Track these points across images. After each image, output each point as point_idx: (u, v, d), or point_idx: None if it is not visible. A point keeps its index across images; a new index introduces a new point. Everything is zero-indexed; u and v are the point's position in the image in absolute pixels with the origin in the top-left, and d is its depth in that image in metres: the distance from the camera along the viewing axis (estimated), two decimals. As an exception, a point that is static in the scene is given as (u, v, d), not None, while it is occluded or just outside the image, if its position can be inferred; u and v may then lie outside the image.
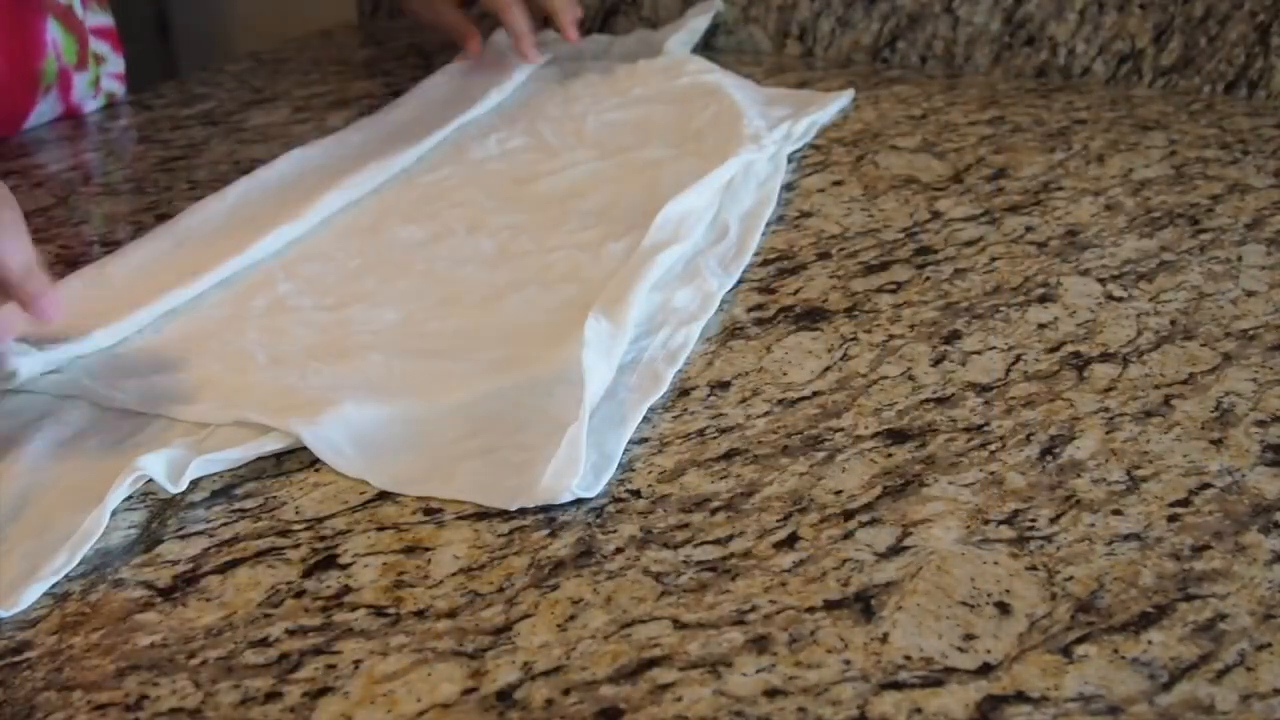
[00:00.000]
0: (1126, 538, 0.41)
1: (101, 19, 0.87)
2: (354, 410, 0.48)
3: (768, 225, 0.66)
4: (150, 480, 0.44)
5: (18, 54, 0.78)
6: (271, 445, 0.46)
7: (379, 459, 0.46)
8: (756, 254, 0.63)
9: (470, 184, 0.71)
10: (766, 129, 0.76)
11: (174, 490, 0.43)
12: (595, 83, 0.87)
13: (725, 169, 0.68)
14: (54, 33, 0.81)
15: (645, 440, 0.47)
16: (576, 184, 0.70)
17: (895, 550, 0.41)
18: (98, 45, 0.86)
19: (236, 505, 0.44)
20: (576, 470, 0.43)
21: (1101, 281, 0.59)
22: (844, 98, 0.86)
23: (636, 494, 0.44)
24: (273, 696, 0.35)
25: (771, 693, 0.35)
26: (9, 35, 0.78)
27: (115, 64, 0.88)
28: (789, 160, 0.75)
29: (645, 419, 0.48)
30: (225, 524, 0.43)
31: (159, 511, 0.44)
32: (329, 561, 0.41)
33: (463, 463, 0.46)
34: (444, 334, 0.55)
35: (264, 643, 0.37)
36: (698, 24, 0.97)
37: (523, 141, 0.77)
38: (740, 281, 0.60)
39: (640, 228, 0.62)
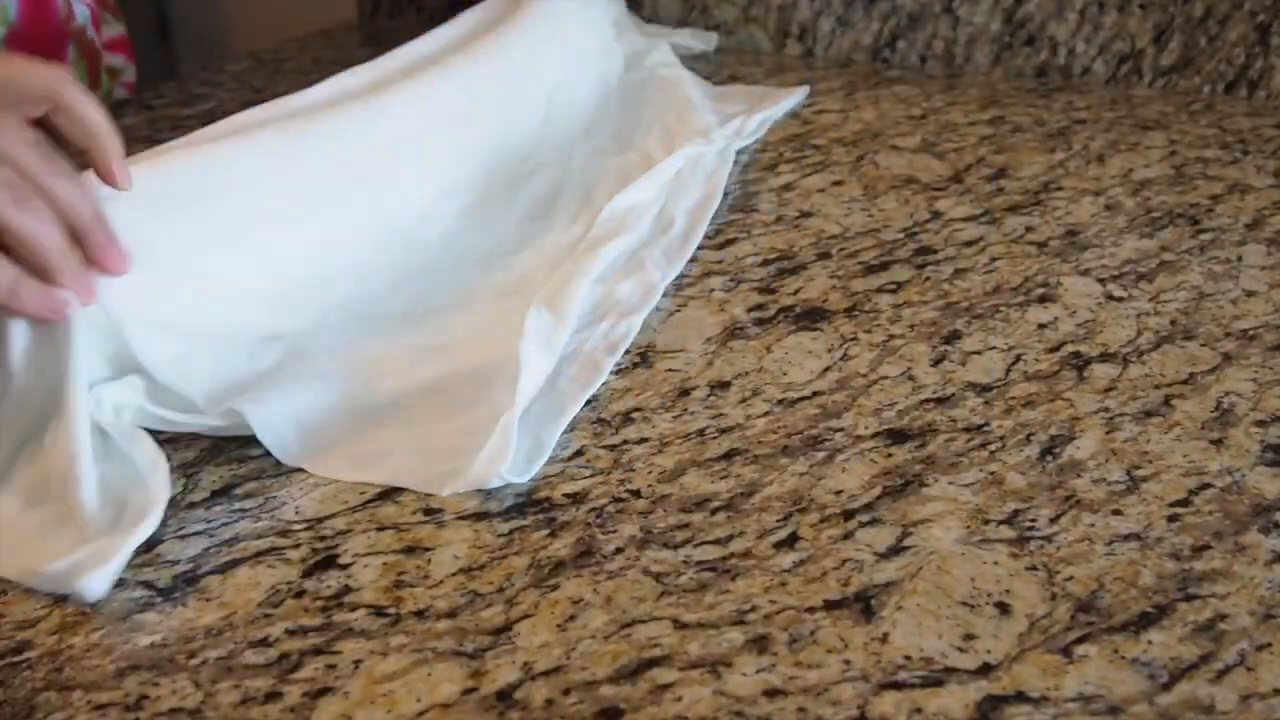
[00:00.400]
0: (1126, 538, 0.41)
1: (116, 29, 0.87)
2: (297, 398, 0.48)
3: (766, 225, 0.66)
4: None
5: None
6: (215, 420, 0.46)
7: (319, 447, 0.46)
8: (756, 254, 0.63)
9: (439, 146, 0.69)
10: (718, 124, 0.76)
11: (116, 419, 0.44)
12: (570, 54, 0.85)
13: (671, 163, 0.69)
14: (71, 57, 0.81)
15: (645, 440, 0.47)
16: (526, 175, 0.70)
17: (895, 550, 0.41)
18: (112, 59, 0.86)
19: (236, 505, 0.44)
20: (507, 457, 0.44)
21: (1101, 281, 0.59)
22: (799, 94, 0.87)
23: (636, 494, 0.44)
24: (273, 696, 0.35)
25: (771, 693, 0.35)
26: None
27: (128, 74, 0.89)
28: (737, 154, 0.75)
29: (645, 419, 0.48)
30: (225, 524, 0.43)
31: (159, 511, 0.44)
32: (329, 561, 0.41)
33: (400, 449, 0.46)
34: (390, 319, 0.55)
35: (264, 643, 0.37)
36: (692, 44, 0.99)
37: (491, 104, 0.75)
38: (740, 281, 0.60)
39: (586, 220, 0.62)
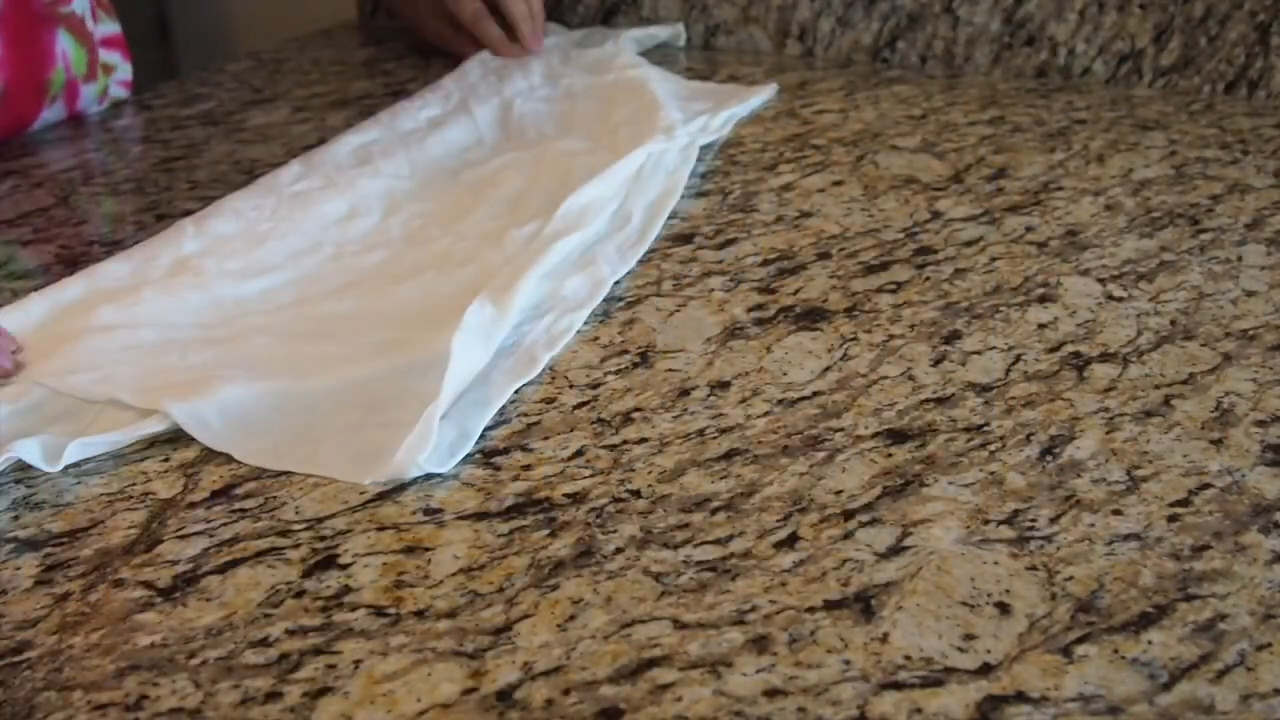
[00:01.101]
0: (1126, 538, 0.41)
1: (110, 27, 0.87)
2: (227, 389, 0.48)
3: (766, 225, 0.66)
4: (148, 480, 0.44)
5: (26, 64, 0.79)
6: (153, 427, 0.47)
7: (244, 433, 0.47)
8: (756, 254, 0.63)
9: (394, 154, 0.72)
10: (682, 121, 0.77)
11: (51, 469, 0.44)
12: (532, 70, 0.88)
13: (631, 160, 0.69)
14: (64, 44, 0.81)
15: (645, 440, 0.47)
16: (492, 174, 0.71)
17: (895, 550, 0.41)
18: (107, 55, 0.86)
19: (236, 505, 0.44)
20: (426, 447, 0.44)
21: (1101, 281, 0.59)
22: (767, 91, 0.87)
23: (636, 494, 0.44)
24: (273, 696, 0.35)
25: (771, 693, 0.35)
26: (18, 46, 0.78)
27: (124, 71, 0.89)
28: (707, 150, 0.76)
29: (645, 419, 0.48)
30: (225, 524, 0.43)
31: (159, 511, 0.44)
32: (329, 561, 0.41)
33: (327, 439, 0.47)
34: (334, 317, 0.55)
35: (264, 643, 0.37)
36: (658, 33, 1.00)
37: (451, 120, 0.78)
38: (740, 282, 0.60)
39: (545, 216, 0.63)
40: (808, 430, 0.48)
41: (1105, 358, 0.52)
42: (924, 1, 0.94)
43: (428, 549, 0.41)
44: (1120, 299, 0.57)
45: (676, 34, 1.02)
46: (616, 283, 0.60)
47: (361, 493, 0.44)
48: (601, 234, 0.63)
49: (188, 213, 0.65)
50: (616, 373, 0.52)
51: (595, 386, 0.51)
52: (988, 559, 0.40)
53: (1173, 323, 0.55)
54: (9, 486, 0.45)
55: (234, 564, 0.41)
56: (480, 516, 0.43)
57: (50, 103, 0.82)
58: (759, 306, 0.58)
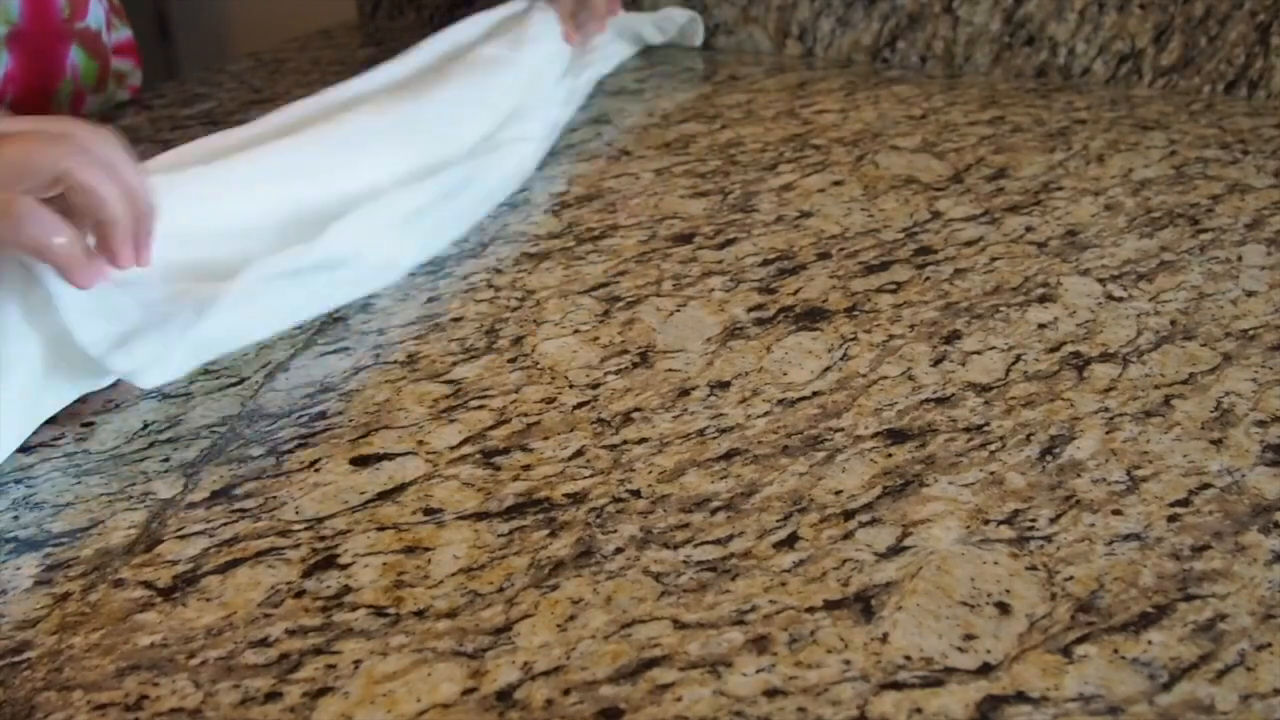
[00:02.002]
0: (1126, 538, 0.41)
1: (121, 33, 0.88)
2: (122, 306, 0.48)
3: (766, 225, 0.66)
4: (148, 480, 0.44)
5: (35, 79, 0.79)
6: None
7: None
8: (756, 254, 0.63)
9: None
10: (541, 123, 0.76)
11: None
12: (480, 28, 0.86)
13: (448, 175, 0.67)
14: (75, 58, 0.81)
15: (645, 440, 0.47)
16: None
17: (895, 550, 0.41)
18: (120, 63, 0.87)
19: (236, 505, 0.44)
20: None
21: (1101, 281, 0.59)
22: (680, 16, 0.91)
23: (636, 494, 0.44)
24: (273, 696, 0.35)
25: (771, 693, 0.35)
26: (31, 61, 0.78)
27: (134, 78, 0.89)
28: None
29: (645, 419, 0.48)
30: (225, 524, 0.43)
31: (159, 511, 0.44)
32: (329, 561, 0.41)
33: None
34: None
35: (264, 643, 0.37)
36: (676, 16, 0.99)
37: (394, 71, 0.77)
38: (740, 282, 0.60)
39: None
40: (808, 430, 0.48)
41: (1105, 358, 0.52)
42: (924, 1, 0.95)
43: (428, 549, 0.41)
44: (1120, 299, 0.57)
45: (693, 22, 1.00)
46: (617, 283, 0.60)
47: (361, 493, 0.44)
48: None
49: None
50: (616, 373, 0.52)
51: (595, 386, 0.51)
52: (988, 559, 0.40)
53: (1173, 323, 0.55)
54: (9, 486, 0.45)
55: (234, 564, 0.41)
56: (480, 516, 0.43)
57: (55, 111, 0.82)
58: (759, 306, 0.58)
